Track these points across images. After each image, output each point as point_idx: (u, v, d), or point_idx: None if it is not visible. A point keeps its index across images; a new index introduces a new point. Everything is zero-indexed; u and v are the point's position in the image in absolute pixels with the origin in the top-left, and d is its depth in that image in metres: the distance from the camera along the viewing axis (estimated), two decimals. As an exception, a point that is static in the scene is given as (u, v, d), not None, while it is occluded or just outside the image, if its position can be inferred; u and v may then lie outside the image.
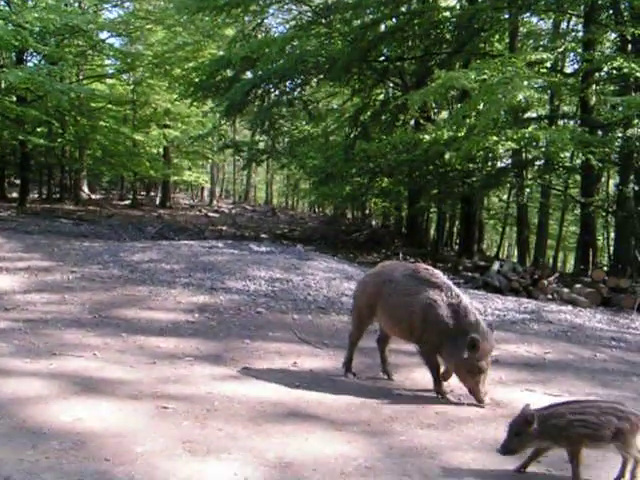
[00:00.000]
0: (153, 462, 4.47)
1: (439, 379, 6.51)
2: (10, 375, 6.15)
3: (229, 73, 24.04)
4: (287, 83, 24.30)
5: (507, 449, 4.67)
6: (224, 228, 25.81)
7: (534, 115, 22.00)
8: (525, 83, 14.90)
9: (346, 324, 9.46)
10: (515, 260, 22.94)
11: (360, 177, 22.50)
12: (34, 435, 4.80)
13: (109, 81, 32.87)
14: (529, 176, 21.71)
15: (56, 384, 6.01)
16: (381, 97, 27.15)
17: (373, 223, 34.35)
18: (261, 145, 30.94)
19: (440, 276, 6.78)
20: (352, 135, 24.68)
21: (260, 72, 22.19)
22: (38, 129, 29.09)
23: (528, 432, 4.58)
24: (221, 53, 25.89)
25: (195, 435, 5.01)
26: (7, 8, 25.74)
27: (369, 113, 25.75)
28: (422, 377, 6.86)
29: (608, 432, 4.50)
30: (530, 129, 16.60)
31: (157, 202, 37.37)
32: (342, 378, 6.93)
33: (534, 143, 17.52)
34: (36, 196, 32.46)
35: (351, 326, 7.40)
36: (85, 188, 35.61)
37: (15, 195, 29.80)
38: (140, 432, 4.99)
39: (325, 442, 5.05)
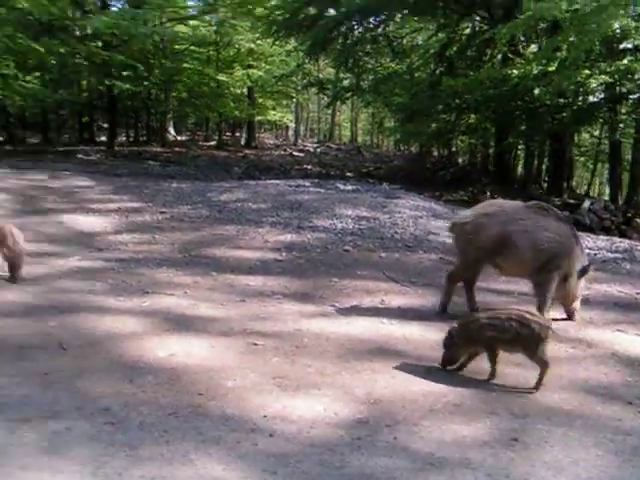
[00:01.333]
0: (244, 396, 4.53)
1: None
2: (105, 313, 6.30)
3: (312, 11, 23.69)
4: (371, 19, 23.84)
5: (444, 362, 5.24)
6: (309, 167, 25.78)
7: (630, 46, 21.00)
8: (621, 11, 14.18)
9: (434, 262, 9.38)
10: (607, 198, 22.19)
11: (446, 114, 22.05)
12: (130, 370, 4.93)
13: (192, 23, 32.82)
14: (623, 110, 20.83)
15: (149, 321, 6.14)
16: (467, 31, 26.21)
17: (459, 161, 33.70)
18: (345, 83, 30.48)
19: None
20: (438, 71, 24.05)
21: (343, 9, 21.81)
22: (124, 73, 29.41)
23: (454, 342, 5.16)
24: (303, -11, 25.49)
25: (285, 371, 5.04)
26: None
27: (455, 49, 24.98)
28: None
29: (509, 336, 4.99)
30: (626, 61, 15.87)
31: (242, 142, 37.45)
32: (430, 316, 6.85)
33: (629, 75, 16.75)
34: (124, 139, 33.02)
35: (456, 267, 7.09)
36: (171, 130, 36.04)
37: (104, 139, 30.37)
38: (231, 368, 5.05)
39: (412, 379, 5.02)
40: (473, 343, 5.19)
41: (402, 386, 4.87)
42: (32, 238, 8.82)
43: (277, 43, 27.65)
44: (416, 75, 26.47)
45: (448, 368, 5.25)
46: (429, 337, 6.02)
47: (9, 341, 5.41)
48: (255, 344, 5.59)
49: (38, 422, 4.01)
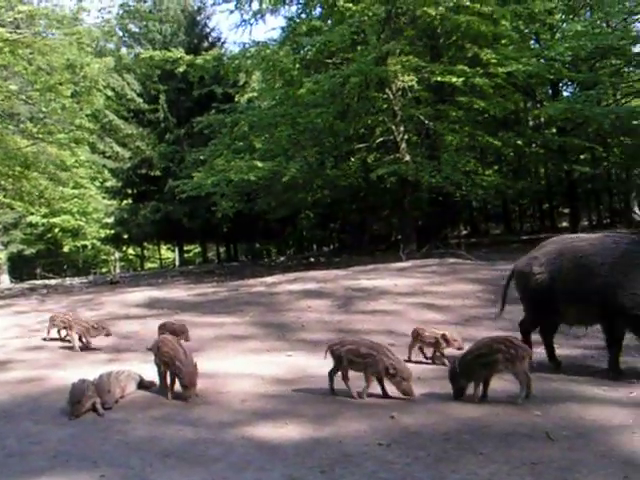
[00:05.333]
0: None
1: None
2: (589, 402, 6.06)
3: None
4: None
5: (455, 395, 6.25)
6: None
7: None
8: None
9: None
10: None
11: None
12: (624, 464, 4.58)
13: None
14: None
15: (638, 412, 5.72)
16: None
17: None
18: None
19: None
20: None
21: None
22: (581, 156, 29.19)
23: (457, 376, 6.17)
24: None
25: None
26: (537, 45, 26.61)
27: None
28: None
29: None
30: None
31: None
32: None
33: None
34: (586, 223, 32.48)
35: None
36: (636, 209, 34.58)
37: (565, 224, 30.20)
38: None
39: None
40: (466, 377, 6.17)
41: None
42: (507, 326, 8.88)
43: None
44: None
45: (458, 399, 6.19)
46: None
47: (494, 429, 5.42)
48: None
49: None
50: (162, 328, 9.07)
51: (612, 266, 6.90)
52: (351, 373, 6.51)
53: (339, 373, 6.60)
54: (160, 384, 6.91)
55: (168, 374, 6.72)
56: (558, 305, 7.33)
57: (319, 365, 7.89)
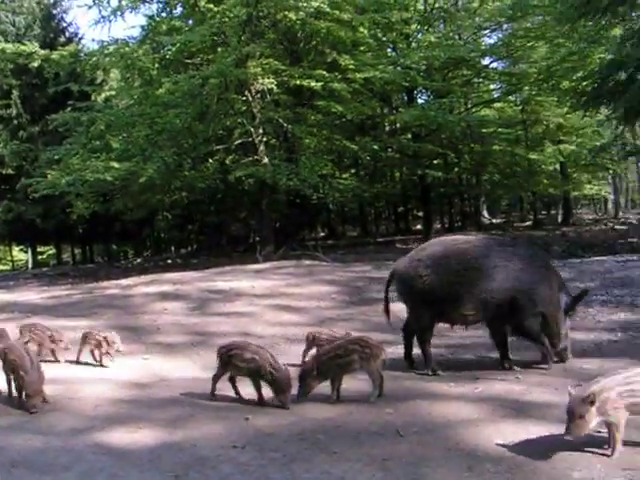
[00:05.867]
0: (594, 489, 4.17)
1: None
2: (438, 399, 6.29)
3: (623, 76, 22.71)
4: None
5: (301, 394, 6.29)
6: (635, 240, 24.27)
7: None
8: None
9: None
10: None
11: None
12: (468, 457, 4.79)
13: (497, 105, 33.14)
14: None
15: (484, 407, 5.99)
16: None
17: None
18: (672, 146, 28.62)
19: None
20: None
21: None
22: (435, 162, 30.23)
23: (312, 376, 6.26)
24: (610, 56, 24.62)
25: (635, 461, 4.58)
26: (394, 53, 27.42)
27: None
28: None
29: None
30: None
31: (559, 220, 36.53)
32: None
33: None
34: (438, 226, 33.65)
35: None
36: (485, 213, 36.19)
37: (419, 227, 31.21)
38: (574, 457, 4.70)
39: None
40: (324, 375, 6.29)
41: None
42: (361, 327, 9.13)
43: (587, 114, 26.80)
44: None
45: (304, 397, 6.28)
46: None
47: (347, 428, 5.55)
48: (598, 431, 5.18)
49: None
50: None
51: (503, 268, 7.18)
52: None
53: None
54: (8, 392, 6.67)
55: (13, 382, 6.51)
56: (445, 306, 7.49)
57: (174, 368, 7.83)
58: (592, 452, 4.79)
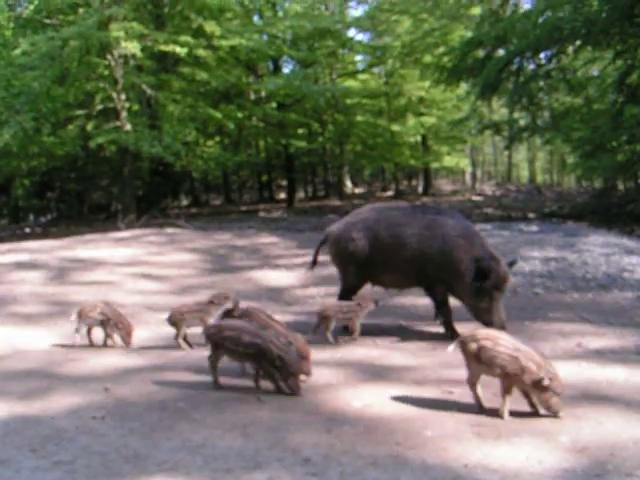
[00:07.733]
0: (443, 446, 4.42)
1: None
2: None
3: (481, 53, 23.54)
4: (542, 55, 23.31)
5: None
6: (490, 210, 25.33)
7: None
8: None
9: (631, 301, 8.91)
10: None
11: (631, 145, 21.03)
12: (328, 420, 4.95)
13: (361, 76, 33.58)
14: None
15: (343, 372, 6.18)
16: (649, 56, 25.06)
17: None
18: (521, 122, 29.87)
19: None
20: (619, 101, 23.07)
21: (513, 47, 21.50)
22: (299, 131, 30.37)
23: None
24: (470, 34, 25.43)
25: (483, 419, 4.89)
26: (261, 21, 27.27)
27: (636, 76, 23.90)
28: None
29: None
30: None
31: (419, 190, 37.54)
32: (633, 358, 6.47)
33: None
34: (302, 195, 33.94)
35: None
36: (348, 183, 36.68)
37: (283, 196, 31.35)
38: (428, 416, 4.96)
39: (621, 426, 4.71)
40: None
41: (610, 433, 4.58)
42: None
43: (448, 89, 27.61)
44: (595, 107, 25.55)
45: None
46: (635, 380, 5.66)
47: (209, 395, 5.62)
48: (450, 392, 5.47)
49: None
50: None
51: (420, 237, 7.40)
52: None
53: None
54: None
55: None
56: (374, 270, 7.73)
57: (31, 339, 7.64)
58: (445, 411, 5.07)
